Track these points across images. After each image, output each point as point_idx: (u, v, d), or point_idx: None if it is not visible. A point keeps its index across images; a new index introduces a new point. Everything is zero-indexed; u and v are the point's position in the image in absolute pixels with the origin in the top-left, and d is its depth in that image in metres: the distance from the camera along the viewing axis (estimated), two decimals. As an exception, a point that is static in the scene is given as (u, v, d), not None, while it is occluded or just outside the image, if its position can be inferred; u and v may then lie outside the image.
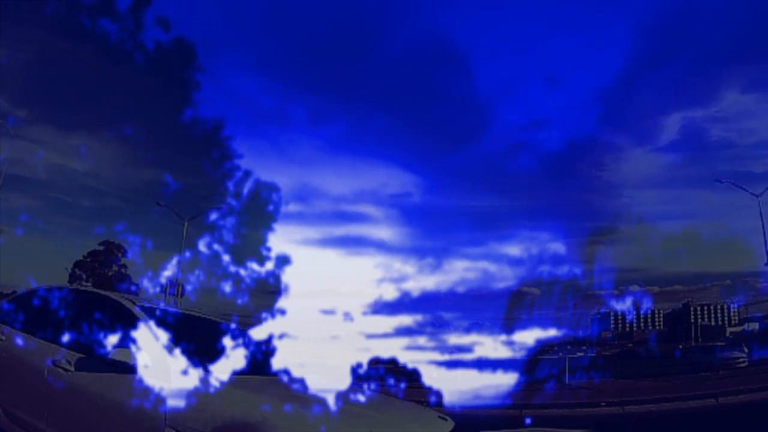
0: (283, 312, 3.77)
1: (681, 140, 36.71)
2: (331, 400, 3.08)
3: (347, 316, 3.79)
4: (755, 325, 32.17)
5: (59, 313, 4.02)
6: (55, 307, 4.18)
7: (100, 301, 4.00)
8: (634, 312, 41.82)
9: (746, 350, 21.98)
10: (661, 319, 45.43)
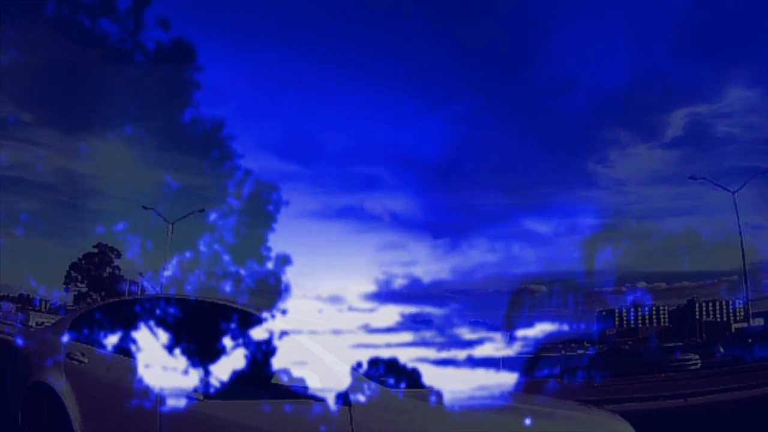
0: (284, 311, 3.68)
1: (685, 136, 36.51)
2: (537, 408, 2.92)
3: (349, 308, 3.59)
4: (760, 321, 32.07)
5: (164, 329, 3.27)
6: (155, 321, 3.39)
7: (215, 312, 3.30)
8: (636, 309, 41.73)
9: (722, 350, 21.48)
10: (666, 315, 45.32)
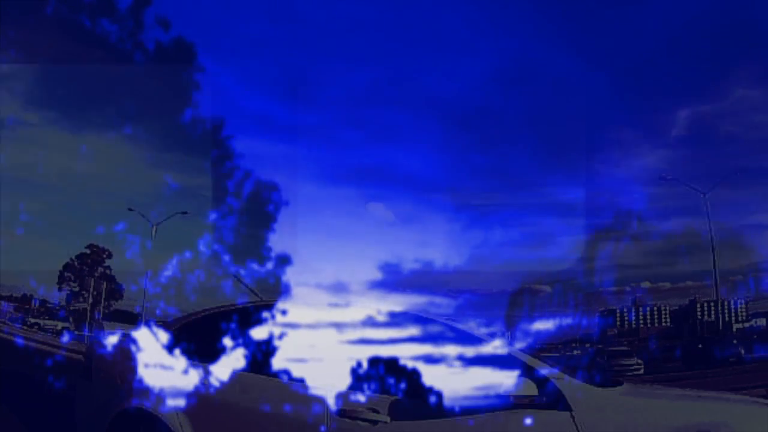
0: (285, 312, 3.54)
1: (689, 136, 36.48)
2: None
3: (351, 299, 3.27)
4: (763, 321, 32.15)
5: (312, 339, 2.75)
6: (296, 330, 2.81)
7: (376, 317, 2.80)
8: (637, 309, 41.77)
9: (697, 359, 20.69)
10: (668, 315, 45.33)
